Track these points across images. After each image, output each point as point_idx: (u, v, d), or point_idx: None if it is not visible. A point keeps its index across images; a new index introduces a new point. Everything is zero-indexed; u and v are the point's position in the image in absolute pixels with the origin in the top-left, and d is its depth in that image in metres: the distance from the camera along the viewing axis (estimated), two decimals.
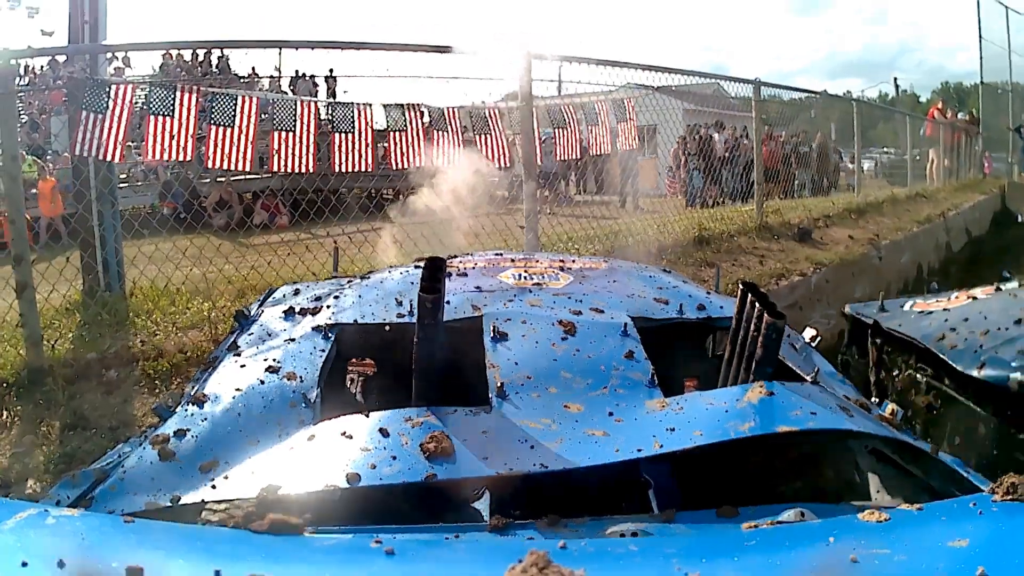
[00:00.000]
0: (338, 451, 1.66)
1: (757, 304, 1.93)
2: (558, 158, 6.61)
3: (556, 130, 6.25)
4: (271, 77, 17.37)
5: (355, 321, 2.38)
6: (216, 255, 5.83)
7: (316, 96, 16.37)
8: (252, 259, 5.84)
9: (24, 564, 0.94)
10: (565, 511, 1.51)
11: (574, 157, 6.55)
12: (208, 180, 11.95)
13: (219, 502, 1.56)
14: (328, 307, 2.50)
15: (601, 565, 1.09)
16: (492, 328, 2.17)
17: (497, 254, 3.34)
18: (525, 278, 2.72)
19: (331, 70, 13.95)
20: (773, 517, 1.42)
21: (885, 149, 22.67)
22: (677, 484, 1.78)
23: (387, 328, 2.39)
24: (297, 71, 17.55)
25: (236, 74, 18.06)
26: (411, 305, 2.39)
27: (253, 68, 18.42)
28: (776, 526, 1.30)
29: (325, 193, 6.18)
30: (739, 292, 2.08)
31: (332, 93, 15.90)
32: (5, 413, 4.13)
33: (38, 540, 1.09)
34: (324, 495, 1.56)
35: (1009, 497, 1.25)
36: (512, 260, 3.06)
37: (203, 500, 1.59)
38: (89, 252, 5.49)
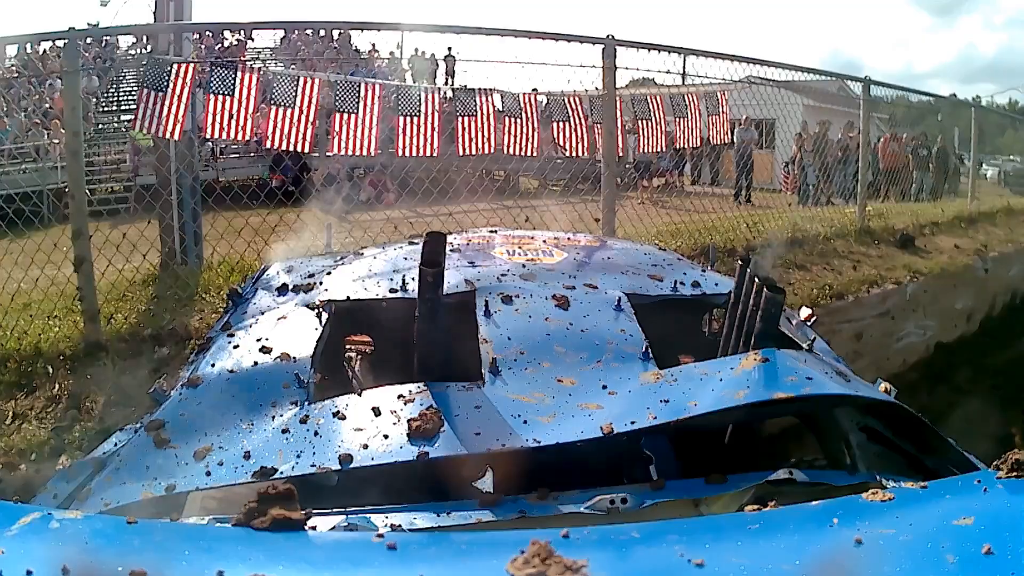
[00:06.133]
0: (331, 432, 1.67)
1: (756, 278, 1.94)
2: (641, 150, 6.66)
3: (640, 121, 6.25)
4: (391, 55, 17.92)
5: (348, 298, 2.36)
6: (319, 229, 5.94)
7: (435, 74, 16.90)
8: (357, 235, 5.90)
9: (29, 573, 0.94)
10: (562, 486, 1.53)
11: (658, 149, 6.58)
12: (317, 155, 11.84)
13: (216, 489, 1.59)
14: (321, 284, 2.48)
15: (604, 554, 1.09)
16: (484, 303, 2.16)
17: (492, 231, 3.36)
18: (518, 254, 2.73)
19: (449, 48, 14.20)
20: (761, 480, 1.52)
21: (1011, 157, 21.37)
22: (675, 457, 1.85)
23: (383, 304, 2.36)
24: (417, 49, 18.13)
25: (357, 49, 18.88)
26: (404, 280, 2.39)
27: (373, 45, 19.23)
28: (779, 508, 1.30)
29: (434, 173, 6.48)
30: (738, 267, 2.08)
31: (451, 72, 16.38)
32: (57, 386, 4.24)
33: (42, 546, 1.09)
34: (320, 478, 1.57)
35: (1014, 474, 1.23)
36: (506, 237, 3.09)
37: (199, 488, 1.60)
38: (165, 225, 5.71)
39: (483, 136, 5.55)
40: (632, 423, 1.64)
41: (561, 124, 5.86)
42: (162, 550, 1.09)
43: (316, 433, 1.68)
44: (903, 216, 9.51)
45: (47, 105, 14.09)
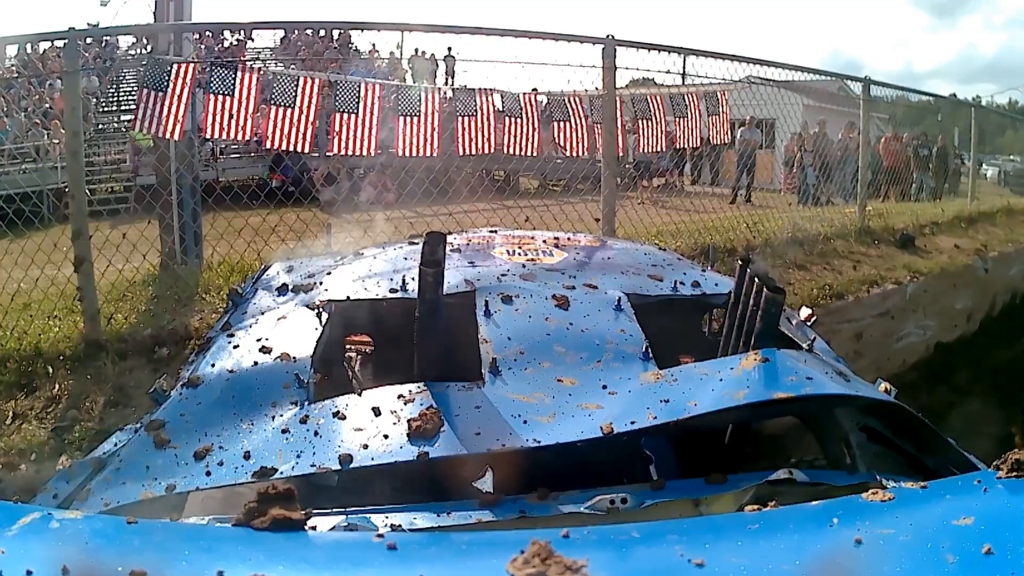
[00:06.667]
0: (331, 432, 1.68)
1: (756, 278, 1.95)
2: (641, 150, 6.69)
3: (640, 121, 6.25)
4: (391, 55, 17.91)
5: (348, 298, 2.36)
6: (319, 229, 5.73)
7: (436, 74, 16.90)
8: (357, 235, 5.96)
9: (29, 573, 0.93)
10: (562, 486, 1.53)
11: (658, 149, 6.59)
12: (317, 155, 11.83)
13: (216, 489, 1.59)
14: (321, 284, 2.49)
15: (604, 553, 1.09)
16: (485, 303, 2.16)
17: (492, 231, 3.37)
18: (518, 254, 2.75)
19: (449, 48, 14.20)
20: (761, 480, 1.53)
21: (1011, 157, 21.37)
22: (675, 457, 1.85)
23: (383, 304, 2.37)
24: (417, 49, 18.14)
25: (357, 49, 18.89)
26: (404, 280, 2.39)
27: (373, 45, 19.24)
28: (778, 508, 1.30)
29: (434, 173, 6.49)
30: (738, 267, 2.10)
31: (451, 72, 16.38)
32: (57, 386, 4.24)
33: (42, 546, 1.09)
34: (320, 478, 1.57)
35: (1014, 474, 1.22)
36: (506, 237, 3.11)
37: (199, 488, 1.59)
38: (165, 225, 5.73)
39: (483, 136, 5.54)
40: (632, 423, 1.64)
41: (561, 124, 5.86)
42: (162, 550, 1.09)
43: (316, 433, 1.68)
44: (903, 216, 9.49)
45: (47, 105, 14.11)
